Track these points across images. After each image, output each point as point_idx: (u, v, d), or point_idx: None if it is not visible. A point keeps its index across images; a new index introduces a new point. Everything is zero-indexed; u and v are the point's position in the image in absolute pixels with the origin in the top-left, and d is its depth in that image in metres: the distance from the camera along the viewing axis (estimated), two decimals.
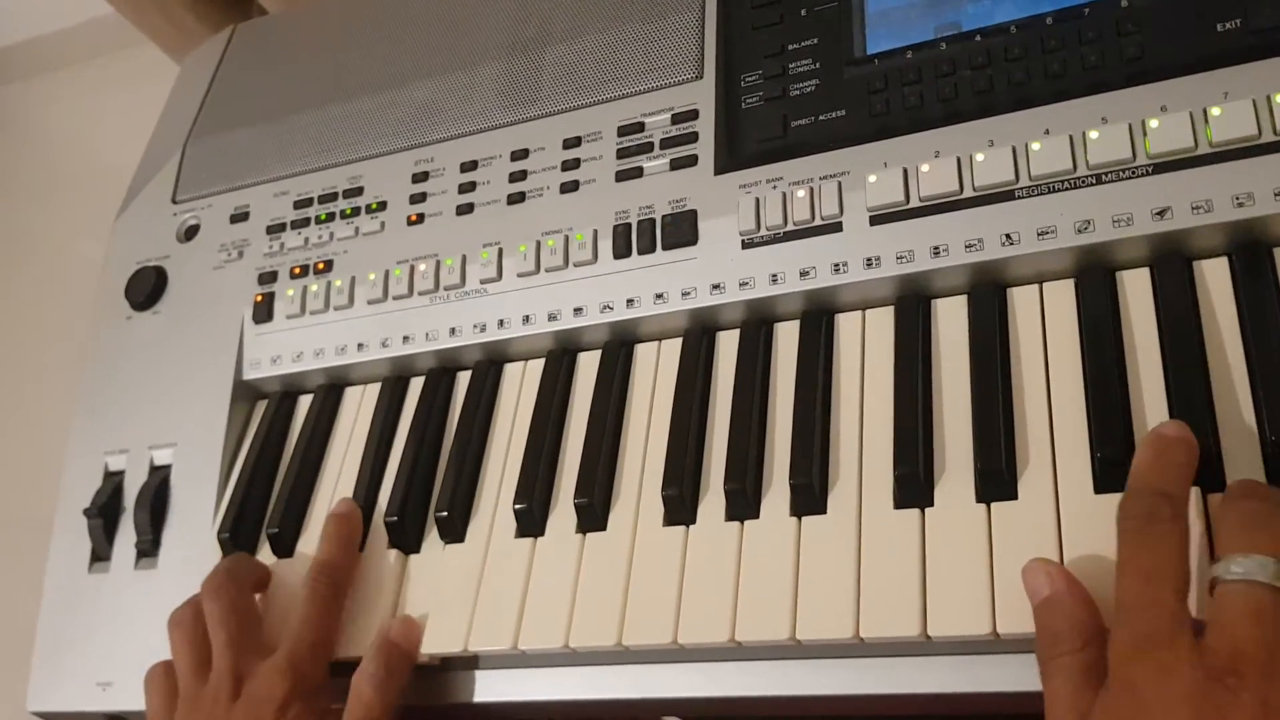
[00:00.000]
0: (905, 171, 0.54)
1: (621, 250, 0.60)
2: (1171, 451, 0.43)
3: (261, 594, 0.60)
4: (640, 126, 0.63)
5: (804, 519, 0.50)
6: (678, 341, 0.59)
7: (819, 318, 0.56)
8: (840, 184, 0.56)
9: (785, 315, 0.57)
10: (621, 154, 0.62)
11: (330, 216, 0.70)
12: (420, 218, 0.67)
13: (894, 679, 0.47)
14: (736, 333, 0.58)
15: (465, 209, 0.66)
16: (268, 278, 0.70)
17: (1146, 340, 0.49)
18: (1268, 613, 0.36)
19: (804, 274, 0.55)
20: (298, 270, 0.69)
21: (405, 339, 0.64)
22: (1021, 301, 0.52)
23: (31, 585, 0.69)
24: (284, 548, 0.62)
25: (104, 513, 0.66)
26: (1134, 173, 0.50)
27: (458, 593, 0.55)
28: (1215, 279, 0.49)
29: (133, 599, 0.64)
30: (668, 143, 0.61)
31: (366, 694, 0.52)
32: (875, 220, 0.55)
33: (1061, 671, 0.40)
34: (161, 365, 0.70)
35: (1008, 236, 0.52)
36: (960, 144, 0.54)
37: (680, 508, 0.53)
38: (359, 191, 0.70)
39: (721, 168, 0.59)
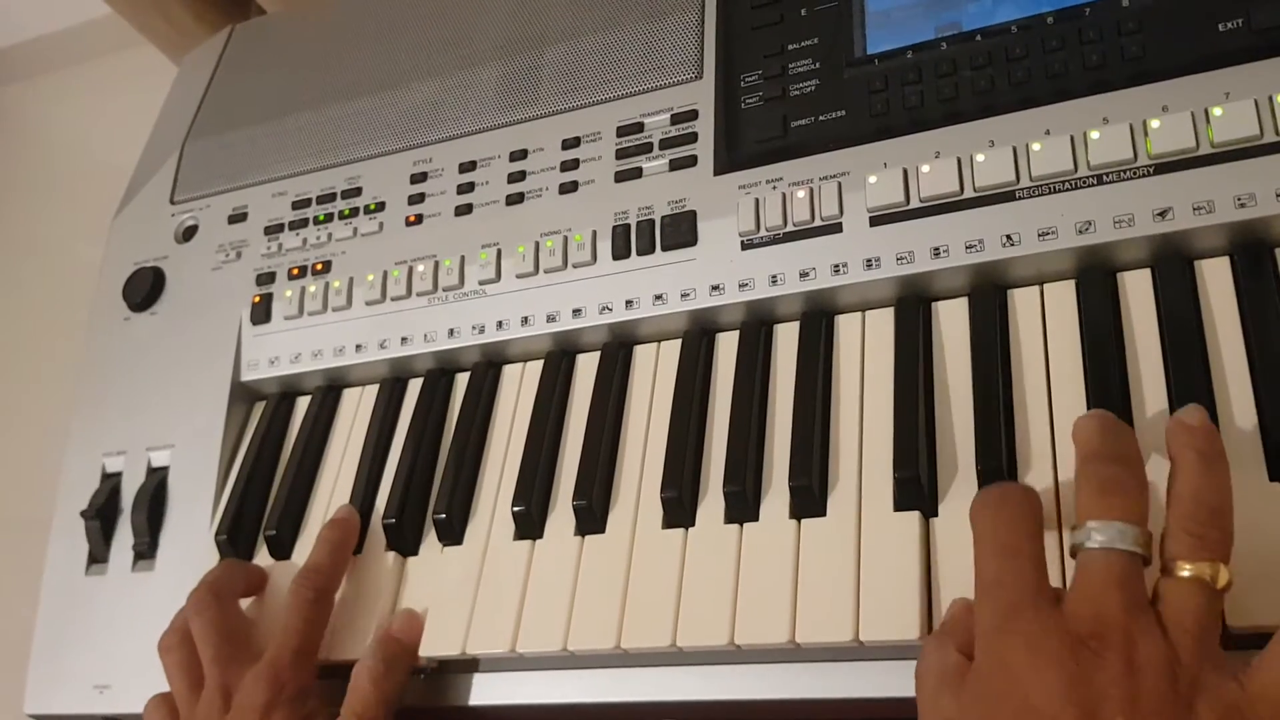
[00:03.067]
0: (905, 172, 0.54)
1: (620, 251, 0.60)
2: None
3: (256, 597, 0.60)
4: (639, 127, 0.62)
5: (803, 521, 0.50)
6: (677, 343, 0.58)
7: (819, 319, 0.55)
8: (840, 184, 0.56)
9: (785, 316, 0.57)
10: (621, 154, 0.62)
11: (328, 217, 0.70)
12: (419, 218, 0.67)
13: (894, 682, 0.47)
14: (736, 334, 0.57)
15: (464, 210, 0.66)
16: (266, 279, 0.70)
17: (1148, 341, 0.49)
18: (1126, 576, 0.38)
19: (804, 275, 0.55)
20: (296, 271, 0.69)
21: (403, 340, 0.64)
22: (1022, 302, 0.52)
23: (29, 587, 0.69)
24: (282, 550, 0.61)
25: (101, 514, 0.66)
26: (1135, 173, 0.50)
27: (456, 595, 0.55)
28: (1217, 280, 0.49)
29: (130, 601, 0.64)
30: (667, 143, 0.61)
31: (364, 687, 0.52)
32: (875, 221, 0.54)
33: (920, 679, 0.42)
34: (159, 366, 0.70)
35: (1008, 237, 0.52)
36: (961, 144, 0.54)
37: (679, 510, 0.52)
38: (357, 192, 0.70)
39: (721, 168, 0.59)
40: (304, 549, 0.61)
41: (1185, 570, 0.38)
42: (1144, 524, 0.39)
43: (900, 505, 0.48)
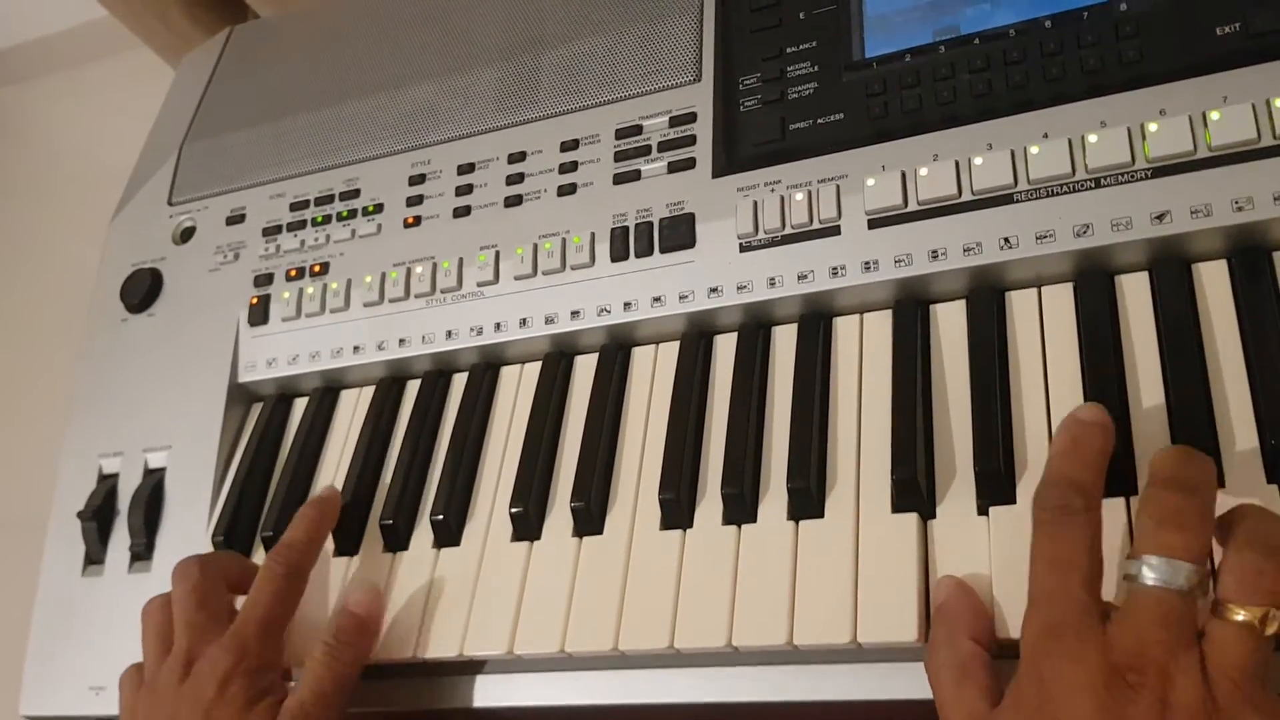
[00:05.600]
0: (903, 175, 0.54)
1: (619, 253, 0.60)
2: (1087, 437, 0.43)
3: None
4: (638, 129, 0.62)
5: (801, 523, 0.50)
6: (675, 345, 0.58)
7: (817, 321, 0.55)
8: (838, 187, 0.56)
9: (783, 319, 0.57)
10: (619, 157, 0.62)
11: (326, 219, 0.70)
12: (417, 220, 0.67)
13: (891, 684, 0.47)
14: (734, 336, 0.57)
15: (462, 211, 0.66)
16: (263, 280, 0.69)
17: (1145, 344, 0.49)
18: (1174, 615, 0.37)
19: (802, 277, 0.55)
20: (294, 273, 0.69)
21: (401, 342, 0.64)
22: (1020, 305, 0.52)
23: (25, 588, 0.69)
24: None
25: (98, 515, 0.66)
26: (1133, 176, 0.50)
27: (453, 597, 0.55)
28: (1214, 283, 0.49)
29: (127, 602, 0.64)
30: (665, 146, 0.61)
31: (316, 665, 0.52)
32: (873, 224, 0.55)
33: (938, 673, 0.42)
34: (156, 368, 0.70)
35: (1006, 240, 0.52)
36: (959, 147, 0.54)
37: (677, 512, 0.52)
38: (355, 194, 0.70)
39: (719, 171, 0.59)
40: None
41: (1237, 614, 0.37)
42: (1202, 561, 0.38)
43: (898, 507, 0.48)
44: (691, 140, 0.61)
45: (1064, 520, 0.41)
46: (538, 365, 0.62)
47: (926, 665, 0.43)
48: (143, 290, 0.72)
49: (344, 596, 0.55)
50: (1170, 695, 0.36)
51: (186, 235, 0.74)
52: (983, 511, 0.47)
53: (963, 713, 0.40)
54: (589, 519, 0.54)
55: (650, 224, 0.60)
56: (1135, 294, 0.50)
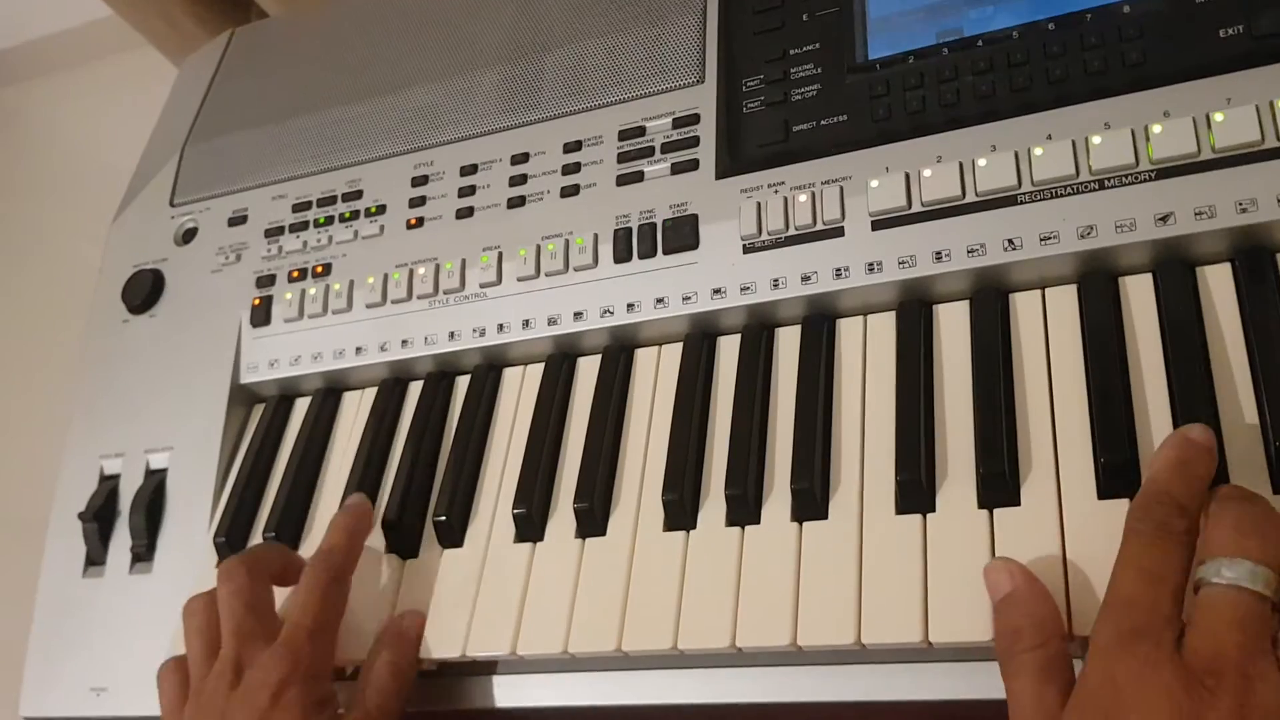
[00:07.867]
0: (907, 176, 0.54)
1: (622, 254, 0.60)
2: (1195, 460, 0.42)
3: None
4: (641, 130, 0.62)
5: (805, 524, 0.50)
6: (678, 346, 0.58)
7: (820, 322, 0.55)
8: (842, 189, 0.56)
9: (786, 320, 0.57)
10: (622, 158, 0.62)
11: (329, 220, 0.70)
12: (419, 221, 0.67)
13: (895, 685, 0.47)
14: (737, 337, 0.57)
15: (465, 213, 0.66)
16: (265, 281, 0.69)
17: (1149, 346, 0.49)
18: (1251, 618, 0.37)
19: (805, 279, 0.55)
20: (296, 274, 0.69)
21: (404, 343, 0.64)
22: (1024, 306, 0.52)
23: (26, 589, 0.69)
24: None
25: (99, 517, 0.66)
26: (1137, 178, 0.50)
27: (456, 597, 0.55)
28: (1218, 285, 0.49)
29: (127, 604, 0.64)
30: (669, 147, 0.61)
31: (384, 679, 0.52)
32: (877, 225, 0.54)
33: (1023, 669, 0.41)
34: (158, 369, 0.70)
35: (1010, 241, 0.52)
36: (963, 149, 0.54)
37: (680, 513, 0.52)
38: (358, 195, 0.70)
39: (723, 172, 0.59)
40: (305, 552, 0.61)
41: None
42: (1278, 570, 0.38)
43: (902, 508, 0.48)
44: (695, 141, 0.61)
45: (1164, 537, 0.40)
46: (540, 366, 0.61)
47: (1006, 657, 0.42)
48: (144, 291, 0.72)
49: (396, 621, 0.55)
50: (1249, 699, 0.35)
51: (188, 236, 0.74)
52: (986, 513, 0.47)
53: (1043, 713, 0.40)
54: (592, 520, 0.54)
55: (653, 225, 0.60)
56: (1139, 296, 0.50)
